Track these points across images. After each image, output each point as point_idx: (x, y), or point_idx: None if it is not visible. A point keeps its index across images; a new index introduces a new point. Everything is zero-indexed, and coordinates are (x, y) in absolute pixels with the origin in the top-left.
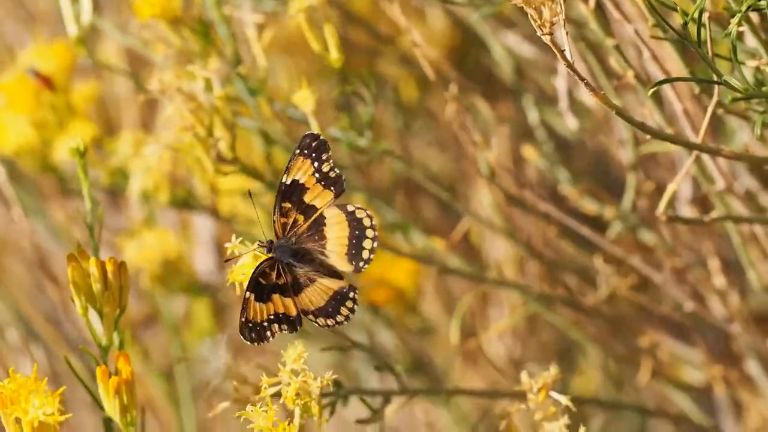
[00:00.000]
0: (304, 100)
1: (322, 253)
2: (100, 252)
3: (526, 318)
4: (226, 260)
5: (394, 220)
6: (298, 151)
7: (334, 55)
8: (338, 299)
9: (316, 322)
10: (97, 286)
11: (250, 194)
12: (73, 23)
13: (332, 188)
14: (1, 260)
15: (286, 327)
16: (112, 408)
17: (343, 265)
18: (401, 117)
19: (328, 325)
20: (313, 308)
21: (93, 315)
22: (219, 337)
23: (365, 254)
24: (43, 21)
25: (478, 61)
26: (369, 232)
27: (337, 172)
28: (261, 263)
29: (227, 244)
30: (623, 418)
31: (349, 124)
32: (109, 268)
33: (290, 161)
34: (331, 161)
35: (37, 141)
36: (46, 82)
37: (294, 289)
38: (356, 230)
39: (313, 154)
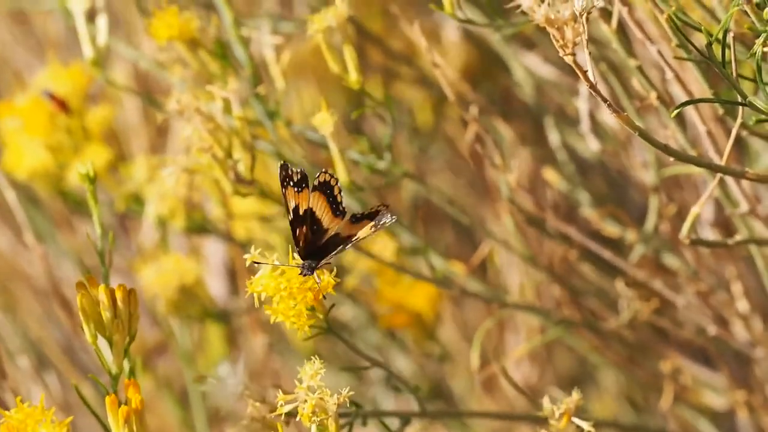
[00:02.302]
0: (324, 122)
1: None
2: (110, 278)
3: (543, 344)
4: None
5: (413, 243)
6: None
7: (353, 77)
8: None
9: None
10: (106, 314)
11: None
12: (89, 45)
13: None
14: (12, 286)
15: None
16: None
17: None
18: (416, 141)
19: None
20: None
21: (103, 343)
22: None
23: None
24: (52, 48)
25: (495, 82)
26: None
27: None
28: None
29: (246, 255)
30: None
31: (368, 146)
32: (119, 295)
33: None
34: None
35: (52, 164)
36: (61, 104)
37: None
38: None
39: (327, 191)
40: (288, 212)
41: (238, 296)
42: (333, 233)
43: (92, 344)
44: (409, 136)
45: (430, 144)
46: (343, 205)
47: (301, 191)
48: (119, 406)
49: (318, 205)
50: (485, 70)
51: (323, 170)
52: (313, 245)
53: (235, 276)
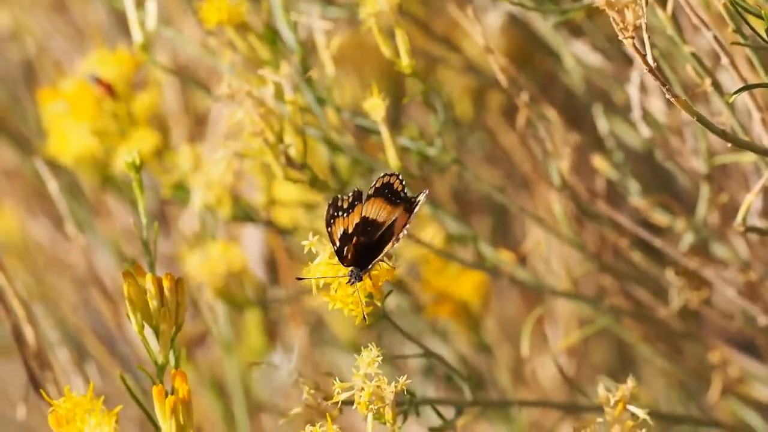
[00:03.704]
0: (375, 107)
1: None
2: (146, 264)
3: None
4: (299, 278)
5: (461, 231)
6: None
7: (405, 61)
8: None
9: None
10: (153, 303)
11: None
12: (138, 29)
13: (398, 201)
14: (51, 278)
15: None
16: (168, 428)
17: None
18: (455, 132)
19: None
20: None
21: (149, 333)
22: (284, 348)
23: None
24: (94, 35)
25: (537, 69)
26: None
27: (404, 183)
28: None
29: (304, 242)
30: None
31: (418, 132)
32: (166, 284)
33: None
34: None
35: (97, 150)
36: (108, 89)
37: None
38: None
39: (386, 191)
40: (333, 244)
41: (277, 286)
42: (389, 224)
43: (139, 334)
44: (449, 126)
45: (469, 135)
46: (404, 192)
47: (352, 211)
48: (166, 396)
49: (374, 208)
50: (526, 57)
51: (383, 174)
52: (366, 246)
53: (274, 265)
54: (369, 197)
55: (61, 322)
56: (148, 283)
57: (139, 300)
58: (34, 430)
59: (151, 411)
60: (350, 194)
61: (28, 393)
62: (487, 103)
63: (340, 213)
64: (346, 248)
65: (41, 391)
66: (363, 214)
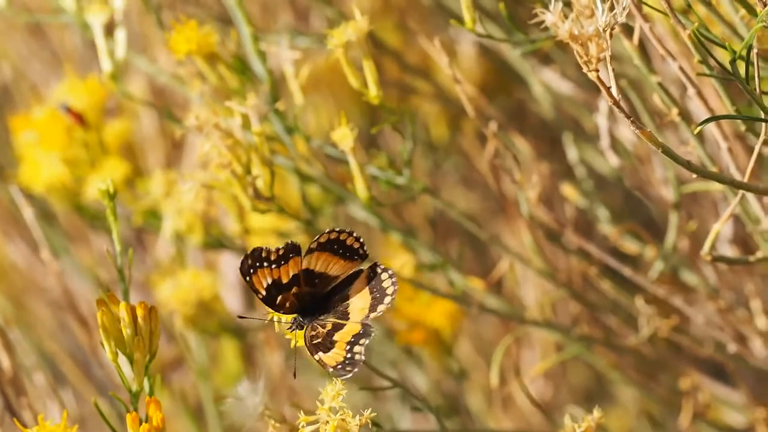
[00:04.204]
0: (343, 137)
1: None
2: (120, 291)
3: (561, 361)
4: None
5: (430, 260)
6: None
7: (373, 92)
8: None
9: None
10: (127, 332)
11: None
12: (107, 58)
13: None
14: (28, 301)
15: (367, 341)
16: None
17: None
18: (431, 155)
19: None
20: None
21: (123, 360)
22: (253, 375)
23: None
24: (68, 61)
25: (510, 97)
26: (387, 299)
27: (361, 241)
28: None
29: None
30: None
31: (387, 162)
32: (140, 312)
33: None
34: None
35: (68, 178)
36: (78, 118)
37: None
38: (377, 294)
39: (335, 246)
40: (256, 293)
41: (253, 311)
42: (344, 278)
43: (113, 362)
44: (424, 150)
45: (444, 159)
46: (363, 249)
47: (285, 263)
48: (140, 424)
49: (320, 261)
50: (500, 85)
51: (329, 230)
52: (314, 296)
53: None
54: (312, 250)
55: (37, 347)
56: (122, 311)
57: (113, 328)
58: None
59: None
60: (281, 247)
61: (4, 419)
62: (462, 128)
63: (266, 264)
64: (281, 297)
65: (15, 420)
66: (305, 266)
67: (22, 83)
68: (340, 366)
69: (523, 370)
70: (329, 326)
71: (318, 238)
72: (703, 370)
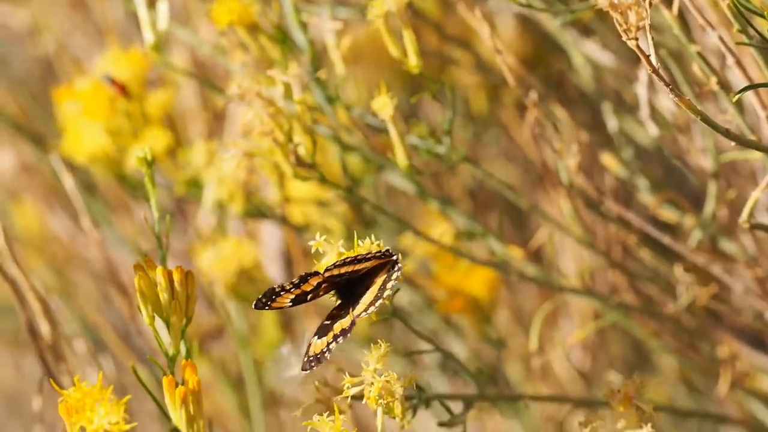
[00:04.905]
0: (383, 106)
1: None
2: (167, 261)
3: (598, 329)
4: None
5: (471, 228)
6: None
7: (413, 61)
8: (384, 282)
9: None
10: (164, 296)
11: None
12: (150, 30)
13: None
14: (70, 273)
15: (341, 340)
16: (178, 418)
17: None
18: (471, 128)
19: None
20: (366, 305)
21: (160, 325)
22: (293, 343)
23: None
24: (110, 34)
25: (549, 68)
26: (379, 301)
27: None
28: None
29: (311, 242)
30: (702, 429)
31: (427, 131)
32: (176, 277)
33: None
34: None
35: (111, 149)
36: (121, 89)
37: (352, 305)
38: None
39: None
40: (283, 308)
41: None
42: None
43: (150, 326)
44: (464, 122)
45: (484, 131)
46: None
47: (303, 284)
48: (176, 387)
49: (343, 270)
50: (540, 56)
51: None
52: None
53: (291, 261)
54: (333, 268)
55: (78, 316)
56: (159, 275)
57: (150, 292)
58: (50, 422)
59: (164, 402)
60: (293, 281)
61: (43, 385)
62: (502, 100)
63: (282, 293)
64: (311, 296)
65: (51, 380)
66: (329, 275)
67: (65, 56)
68: (312, 357)
69: (562, 340)
70: (342, 312)
71: (336, 263)
72: (741, 338)
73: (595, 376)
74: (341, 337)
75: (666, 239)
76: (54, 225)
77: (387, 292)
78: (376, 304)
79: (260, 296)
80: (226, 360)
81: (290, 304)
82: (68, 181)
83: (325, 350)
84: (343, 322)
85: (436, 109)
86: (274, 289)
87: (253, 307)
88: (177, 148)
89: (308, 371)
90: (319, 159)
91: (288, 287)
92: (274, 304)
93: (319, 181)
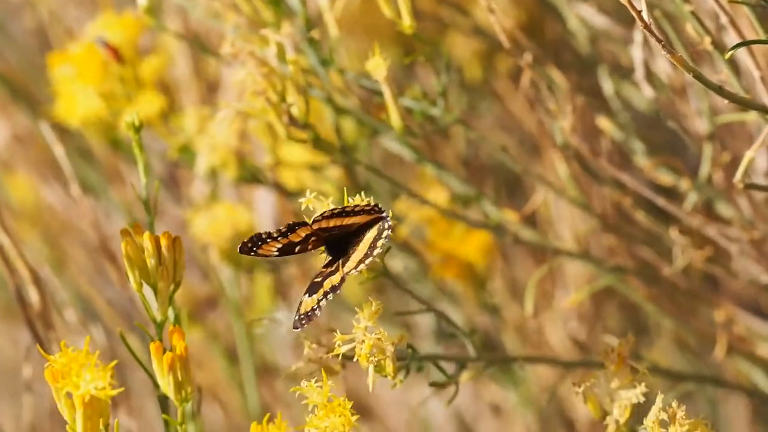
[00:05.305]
0: (377, 66)
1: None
2: (157, 228)
3: (592, 299)
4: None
5: (465, 192)
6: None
7: (407, 22)
8: (374, 239)
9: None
10: (151, 261)
11: None
12: None
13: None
14: (63, 242)
15: (331, 297)
16: (166, 384)
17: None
18: (465, 97)
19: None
20: (356, 262)
21: (148, 291)
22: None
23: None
24: (104, 3)
25: (546, 33)
26: (368, 259)
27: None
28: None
29: (301, 199)
30: (698, 393)
31: (421, 93)
32: (163, 242)
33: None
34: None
35: (104, 113)
36: (115, 53)
37: (343, 262)
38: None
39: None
40: (269, 257)
41: None
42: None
43: (137, 291)
44: (458, 92)
45: (479, 100)
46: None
47: (291, 233)
48: (164, 353)
49: (332, 222)
50: (537, 20)
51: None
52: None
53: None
54: (321, 219)
55: (70, 286)
56: (146, 241)
57: (137, 258)
58: (40, 392)
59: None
60: (282, 227)
61: (31, 353)
62: (497, 68)
63: (269, 240)
64: (299, 248)
65: (38, 346)
66: (317, 227)
67: (58, 26)
68: (303, 315)
69: (557, 306)
70: (332, 268)
71: (323, 213)
72: (738, 304)
73: (592, 345)
74: (331, 294)
75: (660, 200)
76: (47, 196)
77: (377, 250)
78: (366, 261)
79: (246, 240)
80: (219, 330)
81: (277, 253)
82: (58, 148)
83: (315, 308)
84: (333, 279)
85: (430, 75)
86: (260, 234)
87: (237, 250)
88: (171, 114)
89: (299, 329)
90: (312, 122)
91: (275, 235)
92: (261, 251)
93: (312, 142)
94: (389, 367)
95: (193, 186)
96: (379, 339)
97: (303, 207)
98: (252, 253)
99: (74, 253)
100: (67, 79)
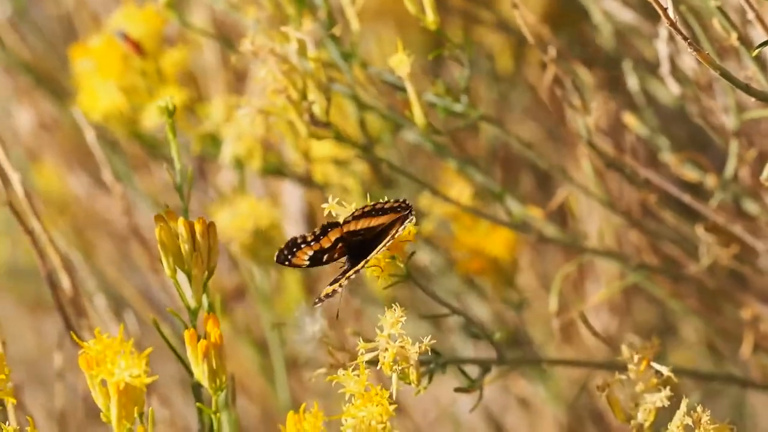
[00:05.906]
0: (400, 63)
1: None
2: (189, 215)
3: (623, 293)
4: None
5: (490, 188)
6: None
7: (430, 17)
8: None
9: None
10: (185, 247)
11: None
12: None
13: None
14: (89, 232)
15: (353, 276)
16: (200, 372)
17: None
18: (496, 87)
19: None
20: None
21: (182, 277)
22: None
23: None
24: None
25: (573, 28)
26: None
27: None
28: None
29: (324, 205)
30: (724, 392)
31: (445, 89)
32: (198, 228)
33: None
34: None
35: (126, 107)
36: (135, 46)
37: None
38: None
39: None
40: (301, 267)
41: None
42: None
43: (171, 278)
44: (489, 82)
45: (510, 91)
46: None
47: (324, 237)
48: (198, 340)
49: (361, 223)
50: (563, 15)
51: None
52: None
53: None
54: (351, 220)
55: (99, 273)
56: (180, 226)
57: (171, 244)
58: (71, 382)
59: (186, 357)
60: (317, 230)
61: (64, 341)
62: (528, 59)
63: (303, 245)
64: (326, 257)
65: (72, 333)
66: (347, 230)
67: (83, 13)
68: (323, 296)
69: (587, 302)
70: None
71: (354, 213)
72: (765, 300)
73: (622, 340)
74: (353, 275)
75: (686, 197)
76: (74, 185)
77: (398, 234)
78: (387, 245)
79: (282, 248)
80: (248, 321)
81: (308, 262)
82: (90, 134)
83: (336, 289)
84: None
85: (458, 70)
86: (295, 239)
87: (274, 260)
88: (195, 106)
89: (319, 305)
90: (336, 117)
91: (309, 239)
92: (294, 260)
93: (334, 140)
94: (413, 375)
95: (220, 179)
96: (402, 347)
97: (325, 213)
98: (287, 263)
99: (101, 244)
100: (87, 73)
